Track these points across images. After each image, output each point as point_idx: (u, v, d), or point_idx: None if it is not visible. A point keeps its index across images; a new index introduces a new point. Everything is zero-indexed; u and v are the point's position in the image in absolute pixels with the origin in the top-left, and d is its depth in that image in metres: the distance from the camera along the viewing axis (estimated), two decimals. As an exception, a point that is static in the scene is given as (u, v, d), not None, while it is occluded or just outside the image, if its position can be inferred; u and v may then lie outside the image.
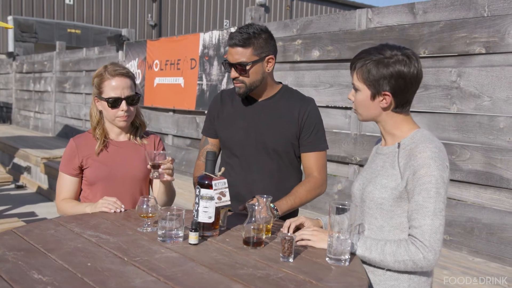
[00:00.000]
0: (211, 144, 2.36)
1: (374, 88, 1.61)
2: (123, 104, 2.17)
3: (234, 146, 2.27)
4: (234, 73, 2.14)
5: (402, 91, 1.60)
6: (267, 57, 2.15)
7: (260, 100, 2.26)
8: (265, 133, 2.22)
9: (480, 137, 3.49)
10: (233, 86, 2.25)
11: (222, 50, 5.98)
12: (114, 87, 2.16)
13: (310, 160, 2.24)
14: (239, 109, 2.29)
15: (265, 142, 2.22)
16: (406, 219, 1.61)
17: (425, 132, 1.64)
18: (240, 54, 2.10)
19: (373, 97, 1.63)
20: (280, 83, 2.33)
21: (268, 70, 2.19)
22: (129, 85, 2.20)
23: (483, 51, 3.47)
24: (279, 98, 2.26)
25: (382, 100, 1.62)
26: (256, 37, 2.10)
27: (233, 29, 5.88)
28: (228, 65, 2.16)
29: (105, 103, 2.18)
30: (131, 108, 2.21)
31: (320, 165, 2.24)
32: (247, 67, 2.11)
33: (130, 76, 2.23)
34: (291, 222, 1.82)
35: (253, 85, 2.16)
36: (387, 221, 1.64)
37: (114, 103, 2.16)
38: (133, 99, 2.20)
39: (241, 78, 2.14)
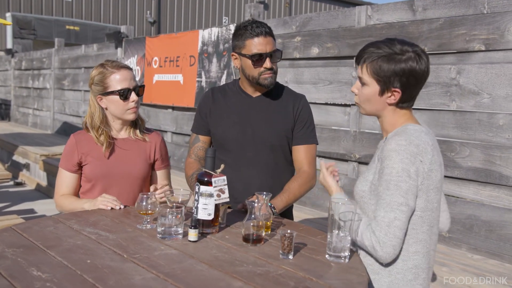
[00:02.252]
0: (202, 141, 2.34)
1: (384, 84, 1.59)
2: (133, 95, 2.19)
3: (229, 142, 2.25)
4: (270, 63, 2.13)
5: (411, 88, 1.59)
6: None
7: (254, 95, 2.26)
8: (262, 128, 2.22)
9: (480, 134, 3.49)
10: (228, 82, 2.26)
11: (221, 47, 5.97)
12: (121, 79, 2.17)
13: (301, 153, 2.25)
14: (232, 105, 2.28)
15: (262, 137, 2.22)
16: None
17: (409, 127, 1.61)
18: (273, 43, 2.15)
19: (382, 92, 1.61)
20: None
21: None
22: (133, 77, 2.22)
23: (483, 48, 3.47)
24: (273, 93, 2.27)
25: (390, 96, 1.61)
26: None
27: (232, 26, 5.87)
28: (263, 56, 2.10)
29: (114, 97, 2.17)
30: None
31: (310, 158, 2.26)
32: (281, 54, 2.16)
33: (131, 68, 2.27)
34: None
35: (276, 74, 2.20)
36: (368, 214, 1.65)
37: (124, 94, 2.16)
38: (139, 89, 2.23)
39: (274, 67, 2.16)
